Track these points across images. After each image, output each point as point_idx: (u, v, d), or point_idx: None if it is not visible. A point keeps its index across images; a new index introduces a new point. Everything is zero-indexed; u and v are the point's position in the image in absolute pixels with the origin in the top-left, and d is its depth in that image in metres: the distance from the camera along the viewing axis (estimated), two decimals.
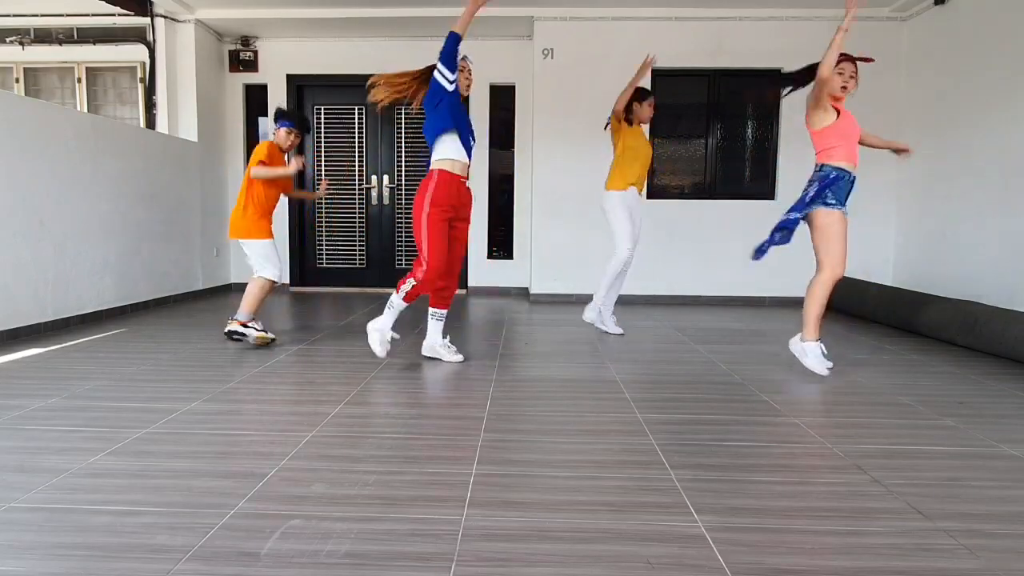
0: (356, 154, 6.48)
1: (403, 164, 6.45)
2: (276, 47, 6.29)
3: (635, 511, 1.58)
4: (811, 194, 3.03)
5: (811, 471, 1.88)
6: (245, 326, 3.63)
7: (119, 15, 5.55)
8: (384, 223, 6.54)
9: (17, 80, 5.93)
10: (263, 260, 3.71)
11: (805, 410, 2.50)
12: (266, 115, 6.41)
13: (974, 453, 2.05)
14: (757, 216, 5.76)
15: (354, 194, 6.51)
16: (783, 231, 3.11)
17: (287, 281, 4.14)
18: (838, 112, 3.02)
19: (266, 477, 1.76)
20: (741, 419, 2.38)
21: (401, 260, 6.57)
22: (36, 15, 5.70)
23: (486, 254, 6.41)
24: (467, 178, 3.14)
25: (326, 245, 6.60)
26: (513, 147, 6.30)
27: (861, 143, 3.18)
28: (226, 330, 3.69)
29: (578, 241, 5.78)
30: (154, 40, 5.63)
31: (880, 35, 5.56)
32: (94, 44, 5.82)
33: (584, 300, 5.35)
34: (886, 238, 5.68)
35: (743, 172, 5.97)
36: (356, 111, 6.44)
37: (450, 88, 2.99)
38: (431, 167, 3.08)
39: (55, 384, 2.73)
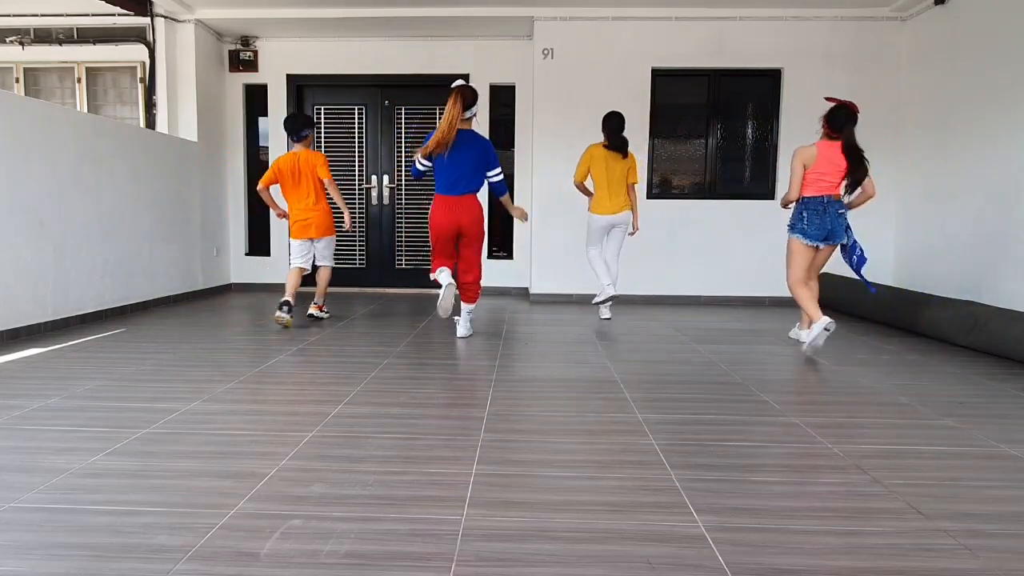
0: (356, 154, 6.47)
1: (403, 164, 6.44)
2: (276, 47, 6.29)
3: (635, 511, 1.59)
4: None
5: (811, 471, 1.88)
6: (321, 310, 4.60)
7: (119, 15, 5.55)
8: (384, 223, 6.53)
9: (17, 80, 5.93)
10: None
11: (805, 410, 2.50)
12: (266, 115, 6.41)
13: (974, 453, 2.05)
14: (757, 216, 5.77)
15: (354, 194, 6.51)
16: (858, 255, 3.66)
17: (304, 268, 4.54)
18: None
19: (266, 477, 1.76)
20: (741, 419, 2.38)
21: (401, 260, 6.57)
22: (36, 15, 5.70)
23: (486, 254, 6.40)
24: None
25: None
26: (513, 147, 6.30)
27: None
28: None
29: (578, 241, 5.76)
30: (154, 40, 5.63)
31: (880, 35, 5.56)
32: (94, 44, 5.82)
33: (584, 300, 5.36)
34: (886, 238, 5.67)
35: (743, 172, 5.96)
36: (356, 111, 6.43)
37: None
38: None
39: (55, 384, 2.73)
